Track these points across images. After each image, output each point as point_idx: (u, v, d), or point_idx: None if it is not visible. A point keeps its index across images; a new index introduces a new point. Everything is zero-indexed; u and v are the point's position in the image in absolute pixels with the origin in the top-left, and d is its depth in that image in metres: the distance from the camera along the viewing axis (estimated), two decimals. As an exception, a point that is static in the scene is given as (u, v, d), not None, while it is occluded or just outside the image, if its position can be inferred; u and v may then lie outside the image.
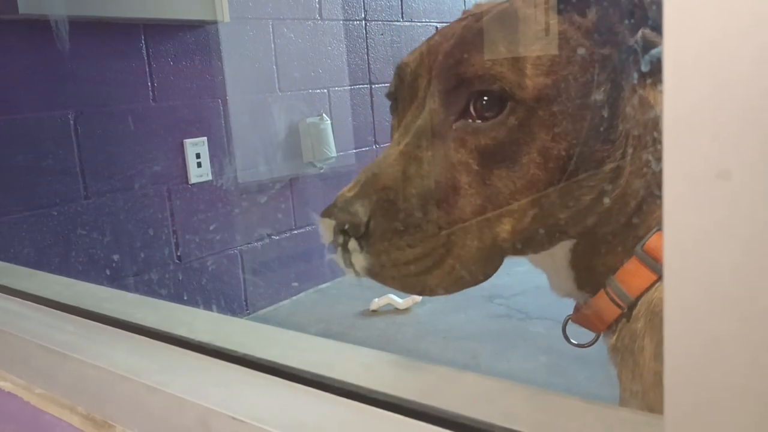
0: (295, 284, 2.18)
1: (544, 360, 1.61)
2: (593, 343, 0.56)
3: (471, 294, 1.73)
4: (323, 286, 2.26)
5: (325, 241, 0.46)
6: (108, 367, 0.52)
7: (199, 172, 1.89)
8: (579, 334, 0.59)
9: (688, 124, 0.23)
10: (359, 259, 0.45)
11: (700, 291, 0.23)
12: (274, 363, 0.49)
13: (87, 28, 1.62)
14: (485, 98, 0.46)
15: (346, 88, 2.29)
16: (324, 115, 2.19)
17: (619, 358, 0.52)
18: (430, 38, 0.52)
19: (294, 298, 2.16)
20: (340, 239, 0.45)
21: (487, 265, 0.47)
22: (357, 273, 0.46)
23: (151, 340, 0.57)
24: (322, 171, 2.21)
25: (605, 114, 0.46)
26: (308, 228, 2.21)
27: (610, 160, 0.47)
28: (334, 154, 2.19)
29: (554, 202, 0.47)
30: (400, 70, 0.52)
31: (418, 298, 2.09)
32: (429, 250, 0.45)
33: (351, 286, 2.29)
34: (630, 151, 0.47)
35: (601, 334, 0.55)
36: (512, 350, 1.72)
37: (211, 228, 1.94)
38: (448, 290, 0.46)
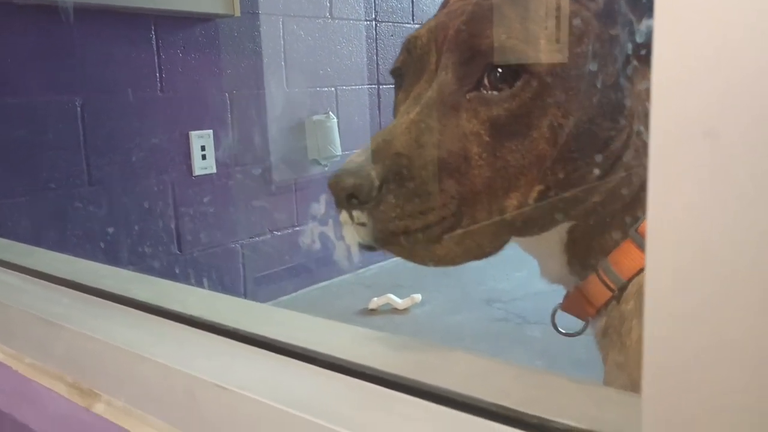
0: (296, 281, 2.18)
1: (540, 364, 1.60)
2: (582, 332, 0.56)
3: (470, 297, 1.73)
4: (323, 283, 2.26)
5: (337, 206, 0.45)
6: (99, 337, 0.52)
7: (203, 165, 1.90)
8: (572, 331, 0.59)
9: (676, 81, 0.23)
10: (369, 225, 0.44)
11: (684, 253, 0.23)
12: (264, 337, 0.49)
13: (98, 15, 1.63)
14: (499, 70, 0.46)
15: (353, 87, 2.30)
16: (330, 113, 2.19)
17: (607, 341, 0.51)
18: (439, 13, 0.52)
19: (293, 294, 2.16)
20: (349, 204, 0.44)
21: (494, 239, 0.47)
22: (364, 243, 0.46)
23: (145, 314, 0.57)
24: (326, 169, 2.21)
25: (614, 93, 0.47)
26: (310, 225, 2.22)
27: (617, 138, 0.47)
28: (339, 152, 2.19)
29: (561, 179, 0.47)
30: (409, 44, 0.52)
31: (418, 298, 2.08)
32: (439, 219, 0.45)
33: (351, 285, 2.29)
34: (636, 130, 0.48)
35: (590, 322, 0.55)
36: (509, 353, 1.71)
37: (213, 221, 1.95)
38: (455, 261, 0.46)
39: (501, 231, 0.47)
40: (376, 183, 0.43)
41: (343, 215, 0.45)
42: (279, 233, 2.14)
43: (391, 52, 2.40)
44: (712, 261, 0.23)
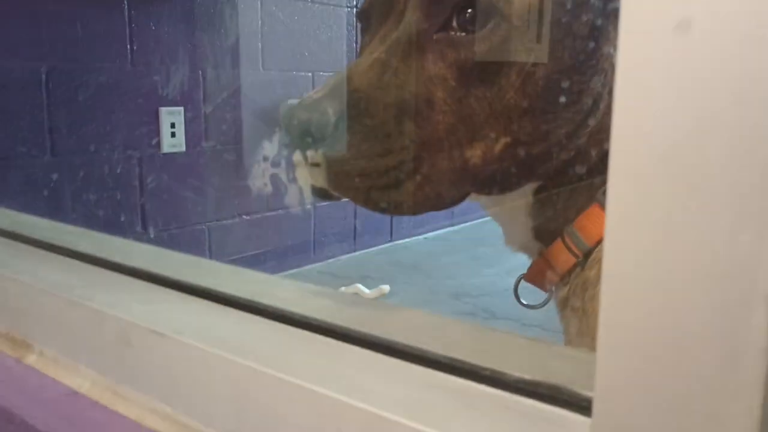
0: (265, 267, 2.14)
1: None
2: (545, 304, 0.54)
3: (439, 290, 1.71)
4: (292, 271, 2.22)
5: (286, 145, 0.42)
6: (31, 282, 0.49)
7: (172, 142, 1.85)
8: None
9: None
10: (322, 167, 0.41)
11: (649, 159, 0.21)
12: (207, 288, 0.46)
13: (68, -19, 1.58)
14: (469, 11, 0.44)
15: (330, 73, 2.27)
16: (306, 98, 2.16)
17: (568, 308, 0.50)
18: None
19: (260, 280, 2.12)
20: (303, 142, 0.41)
21: (454, 191, 0.45)
22: (317, 186, 0.43)
23: (82, 263, 0.53)
24: (290, 148, 2.18)
25: (588, 45, 0.45)
26: (280, 211, 2.18)
27: (588, 93, 0.45)
28: (313, 138, 2.16)
29: (528, 132, 0.45)
30: None
31: (386, 289, 2.06)
32: (397, 163, 0.42)
33: (319, 274, 2.26)
34: (609, 86, 0.46)
35: (552, 292, 0.53)
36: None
37: (180, 200, 1.90)
38: (411, 210, 0.44)
39: (462, 182, 0.45)
40: (332, 119, 0.41)
41: (296, 155, 0.42)
42: (248, 217, 2.10)
43: (370, 41, 2.38)
44: (679, 173, 0.21)
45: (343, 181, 0.42)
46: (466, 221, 2.70)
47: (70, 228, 0.65)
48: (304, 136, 0.41)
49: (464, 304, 1.99)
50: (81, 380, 0.44)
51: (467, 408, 0.32)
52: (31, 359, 0.48)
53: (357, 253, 2.44)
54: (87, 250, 0.55)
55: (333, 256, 2.37)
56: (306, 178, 0.43)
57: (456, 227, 2.72)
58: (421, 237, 2.67)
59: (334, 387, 0.33)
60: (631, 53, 0.21)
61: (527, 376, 0.32)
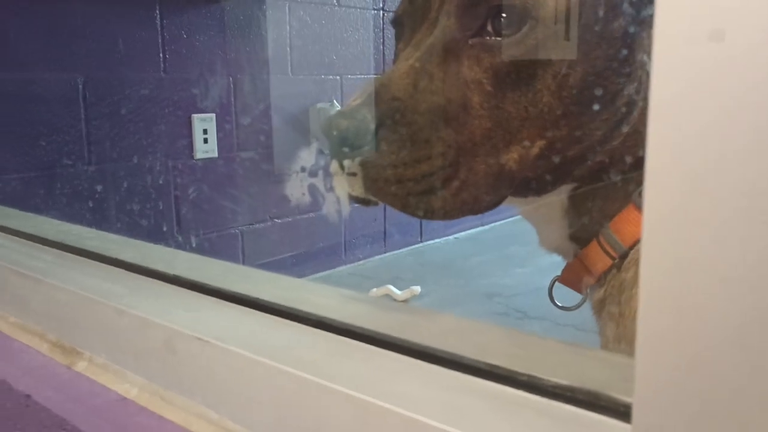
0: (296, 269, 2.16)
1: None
2: (580, 305, 0.54)
3: (470, 290, 1.71)
4: (323, 273, 2.24)
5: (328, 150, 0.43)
6: (79, 291, 0.51)
7: (205, 148, 1.88)
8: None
9: (681, -16, 0.21)
10: (359, 176, 0.42)
11: (684, 164, 0.22)
12: (247, 296, 0.47)
13: (103, -7, 1.62)
14: (504, 15, 0.44)
15: (359, 76, 2.28)
16: (335, 101, 2.18)
17: (604, 311, 0.50)
18: None
19: (292, 283, 2.14)
20: (343, 151, 0.42)
21: (491, 195, 0.46)
22: (356, 194, 0.44)
23: (128, 272, 0.55)
24: (329, 157, 2.20)
25: (623, 47, 0.45)
26: (311, 214, 2.20)
27: (623, 95, 0.45)
28: (342, 141, 2.17)
29: (565, 135, 0.45)
30: None
31: (417, 290, 2.06)
32: (435, 169, 0.43)
33: (351, 276, 2.27)
34: (644, 88, 0.46)
35: (588, 294, 0.53)
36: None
37: (214, 205, 1.93)
38: (449, 214, 0.45)
39: (499, 186, 0.46)
40: (372, 126, 0.41)
41: (333, 165, 0.43)
42: (279, 221, 2.13)
43: (398, 43, 2.39)
44: (721, 181, 0.21)
45: (382, 188, 0.43)
46: (497, 220, 2.69)
47: (113, 237, 0.67)
48: (344, 144, 0.42)
49: (496, 304, 1.99)
50: (129, 386, 0.46)
51: (505, 413, 0.32)
52: (81, 366, 0.50)
53: (387, 254, 2.45)
54: (131, 259, 0.57)
55: (364, 258, 2.38)
56: (344, 188, 0.44)
57: (486, 226, 2.71)
58: (451, 237, 2.67)
59: (373, 392, 0.34)
60: (666, 61, 0.21)
61: (564, 382, 0.33)
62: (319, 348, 0.40)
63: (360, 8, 2.25)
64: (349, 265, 2.34)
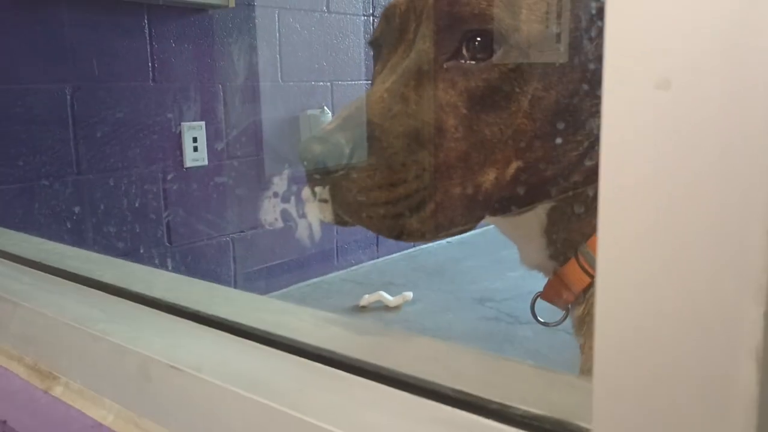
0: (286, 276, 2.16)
1: (530, 364, 1.58)
2: (562, 322, 0.54)
3: (462, 295, 1.71)
4: (314, 280, 2.24)
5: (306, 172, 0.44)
6: (56, 316, 0.50)
7: (194, 157, 1.88)
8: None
9: (629, 31, 0.21)
10: (338, 195, 0.42)
11: (639, 214, 0.22)
12: (224, 319, 0.47)
13: (91, 3, 1.61)
14: (478, 39, 0.45)
15: (349, 82, 2.28)
16: (325, 108, 2.18)
17: (585, 328, 0.50)
18: None
19: (284, 290, 2.14)
20: (318, 174, 0.43)
21: (467, 216, 0.46)
22: (333, 215, 0.44)
23: (106, 294, 0.55)
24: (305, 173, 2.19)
25: (595, 71, 0.45)
26: (303, 220, 2.20)
27: (596, 117, 0.46)
28: (333, 147, 2.17)
29: (540, 156, 0.45)
30: (388, 12, 0.50)
31: (409, 296, 2.07)
32: (411, 192, 0.43)
33: (342, 282, 2.27)
34: None
35: (569, 311, 0.53)
36: (499, 353, 1.69)
37: (204, 214, 1.93)
38: (425, 237, 0.45)
39: (475, 207, 0.46)
40: (346, 150, 0.42)
41: (305, 192, 0.43)
42: (270, 228, 2.12)
43: (388, 48, 2.39)
44: (668, 222, 0.21)
45: (357, 211, 0.43)
46: (489, 224, 2.69)
47: (95, 256, 0.67)
48: (319, 168, 0.42)
49: (488, 309, 1.99)
50: (105, 412, 0.46)
51: (474, 444, 0.32)
52: (58, 391, 0.50)
53: (380, 259, 2.45)
54: (111, 280, 0.57)
55: (356, 264, 2.38)
56: (315, 214, 0.44)
57: (479, 230, 2.71)
58: (443, 242, 2.67)
59: (344, 424, 0.34)
60: (615, 109, 0.21)
61: (533, 410, 0.33)
62: (292, 376, 0.40)
63: (350, 14, 2.25)
64: (341, 271, 2.34)
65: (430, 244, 2.62)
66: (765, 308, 0.19)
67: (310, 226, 0.48)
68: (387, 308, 2.03)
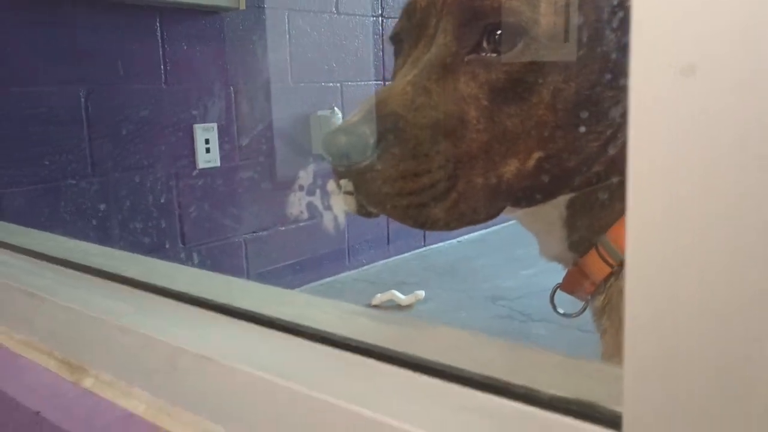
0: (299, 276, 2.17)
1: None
2: (581, 313, 0.55)
3: (475, 294, 1.71)
4: (327, 279, 2.25)
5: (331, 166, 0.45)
6: (83, 309, 0.52)
7: (207, 158, 1.90)
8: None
9: (655, 16, 0.22)
10: (363, 186, 0.44)
11: (663, 199, 0.22)
12: (249, 311, 0.48)
13: (104, 6, 1.63)
14: (499, 32, 0.46)
15: (359, 83, 2.29)
16: (336, 108, 2.19)
17: (605, 318, 0.50)
18: None
19: (297, 290, 2.15)
20: (343, 166, 0.44)
21: (489, 206, 0.47)
22: (358, 206, 0.45)
23: (132, 289, 0.56)
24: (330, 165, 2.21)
25: (615, 62, 0.46)
26: (314, 221, 2.21)
27: (617, 108, 0.46)
28: (343, 148, 2.18)
29: (560, 147, 0.46)
30: (408, 8, 0.51)
31: (421, 295, 2.07)
32: (435, 182, 0.44)
33: (354, 281, 2.28)
34: None
35: (588, 301, 0.53)
36: (512, 350, 1.69)
37: (217, 214, 1.94)
38: (449, 226, 0.46)
39: (497, 197, 0.47)
40: (371, 141, 0.43)
41: (330, 184, 0.44)
42: (283, 228, 2.14)
43: (397, 49, 2.40)
44: (693, 204, 0.22)
45: (382, 201, 0.44)
46: (500, 223, 2.69)
47: (117, 253, 0.68)
48: (344, 160, 0.43)
49: (500, 308, 1.99)
50: (136, 402, 0.47)
51: (502, 425, 0.33)
52: (89, 383, 0.51)
53: (391, 259, 2.46)
54: (135, 275, 0.58)
55: (368, 263, 2.39)
56: (341, 206, 0.45)
57: (490, 229, 2.71)
58: (455, 240, 2.67)
59: (372, 407, 0.35)
60: (641, 94, 0.22)
61: (560, 393, 0.34)
62: (320, 363, 0.40)
63: (359, 15, 2.26)
64: (353, 271, 2.34)
65: (441, 243, 2.63)
66: (794, 281, 0.20)
67: (335, 218, 0.49)
68: (399, 307, 2.03)
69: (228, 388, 0.41)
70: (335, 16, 2.20)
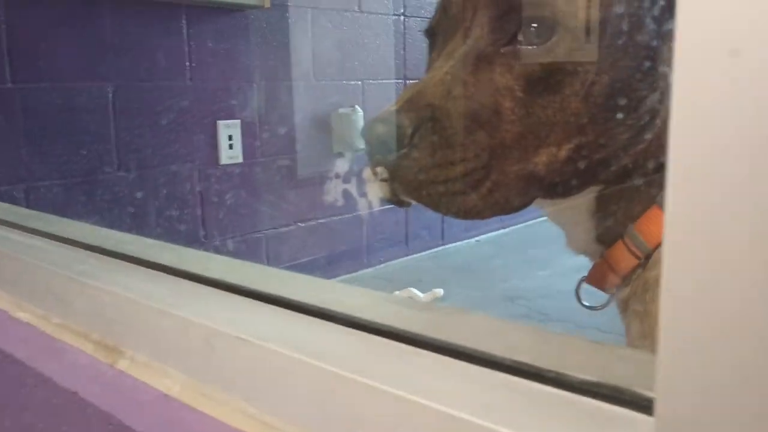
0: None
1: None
2: (606, 305, 0.55)
3: (493, 293, 1.72)
4: (346, 276, 2.27)
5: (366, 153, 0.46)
6: (122, 293, 0.53)
7: (230, 154, 1.92)
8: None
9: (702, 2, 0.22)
10: (400, 174, 0.45)
11: (704, 172, 0.23)
12: (282, 297, 0.49)
13: (131, 4, 1.66)
14: (534, 25, 0.46)
15: (380, 81, 2.30)
16: (357, 106, 2.20)
17: (630, 309, 0.51)
18: None
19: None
20: (380, 155, 0.45)
21: (521, 196, 0.48)
22: (392, 194, 0.46)
23: (166, 275, 0.58)
24: (351, 163, 2.22)
25: (646, 57, 0.47)
26: (333, 218, 2.22)
27: (647, 103, 0.47)
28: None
29: (592, 138, 0.47)
30: (445, 1, 0.52)
31: (439, 293, 2.08)
32: (469, 171, 0.45)
33: (373, 279, 2.29)
34: (666, 97, 0.47)
35: (614, 294, 0.54)
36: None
37: (239, 210, 1.97)
38: (481, 214, 0.47)
39: (529, 187, 0.48)
40: (409, 130, 0.44)
41: (367, 172, 0.46)
42: (303, 225, 2.15)
43: (419, 47, 2.41)
44: (730, 180, 0.22)
45: (417, 189, 0.45)
46: (517, 223, 2.69)
47: (150, 241, 0.69)
48: (382, 148, 0.44)
49: (519, 307, 1.99)
50: (171, 382, 0.48)
51: (533, 408, 0.34)
52: (124, 364, 0.52)
53: (409, 257, 2.47)
54: (169, 262, 0.59)
55: (386, 261, 2.40)
56: (376, 193, 0.46)
57: (507, 229, 2.71)
58: (472, 240, 2.67)
59: (407, 388, 0.36)
60: (687, 77, 0.23)
61: (589, 378, 0.34)
62: (354, 346, 0.41)
63: (381, 14, 2.27)
64: (371, 269, 2.36)
65: (459, 243, 2.63)
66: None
67: (370, 204, 0.50)
68: (422, 303, 2.04)
69: (262, 369, 0.42)
70: (358, 14, 2.21)
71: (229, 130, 1.91)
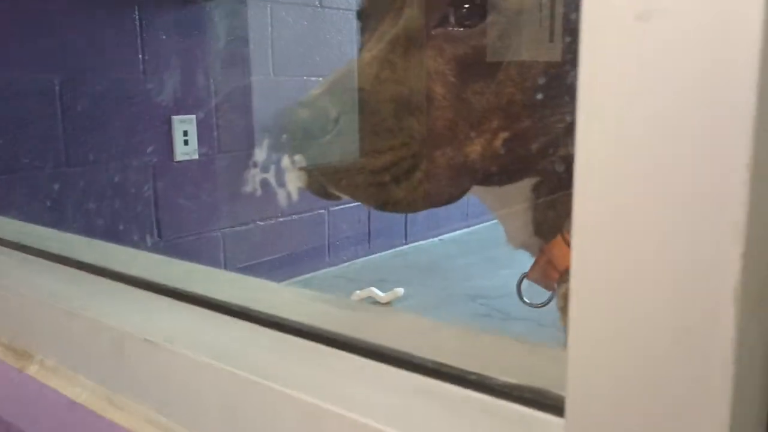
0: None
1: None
2: (548, 302, 0.53)
3: (454, 292, 1.70)
4: (306, 276, 2.23)
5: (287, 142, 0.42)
6: (30, 293, 0.49)
7: (185, 150, 1.87)
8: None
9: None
10: (323, 164, 0.42)
11: (611, 139, 0.21)
12: (201, 296, 0.46)
13: (80, -6, 1.60)
14: (466, 6, 0.44)
15: (341, 78, 2.27)
16: (317, 103, 2.17)
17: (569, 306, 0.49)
18: None
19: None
20: (302, 141, 0.42)
21: (453, 187, 0.45)
22: (316, 189, 0.43)
23: (84, 273, 0.54)
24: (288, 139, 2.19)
25: None
26: (293, 216, 2.19)
27: None
28: (325, 143, 2.16)
29: (527, 127, 0.45)
30: None
31: (400, 292, 2.06)
32: (398, 160, 0.42)
33: (334, 278, 2.26)
34: None
35: (555, 290, 0.52)
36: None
37: (195, 208, 1.91)
38: (411, 207, 0.44)
39: (462, 177, 0.45)
40: (332, 116, 0.41)
41: (285, 161, 0.42)
42: (262, 223, 2.11)
43: (381, 44, 2.38)
44: (645, 152, 0.20)
45: (343, 179, 0.42)
46: (481, 222, 2.69)
47: (76, 238, 0.66)
48: (305, 134, 0.41)
49: (480, 306, 1.98)
50: (80, 390, 0.45)
51: (452, 414, 0.31)
52: (33, 369, 0.49)
53: (372, 256, 2.44)
54: (90, 260, 0.56)
55: (348, 260, 2.37)
56: (294, 182, 0.43)
57: (471, 228, 2.70)
58: (435, 239, 2.66)
59: (321, 395, 0.33)
60: (592, 48, 0.21)
61: (512, 380, 0.32)
62: (269, 349, 0.39)
63: (343, 9, 2.24)
64: (333, 268, 2.32)
65: (422, 242, 2.61)
66: (743, 249, 0.18)
67: (288, 195, 0.47)
68: (378, 304, 2.02)
69: (172, 375, 0.39)
70: (318, 9, 2.18)
71: (183, 126, 1.85)
